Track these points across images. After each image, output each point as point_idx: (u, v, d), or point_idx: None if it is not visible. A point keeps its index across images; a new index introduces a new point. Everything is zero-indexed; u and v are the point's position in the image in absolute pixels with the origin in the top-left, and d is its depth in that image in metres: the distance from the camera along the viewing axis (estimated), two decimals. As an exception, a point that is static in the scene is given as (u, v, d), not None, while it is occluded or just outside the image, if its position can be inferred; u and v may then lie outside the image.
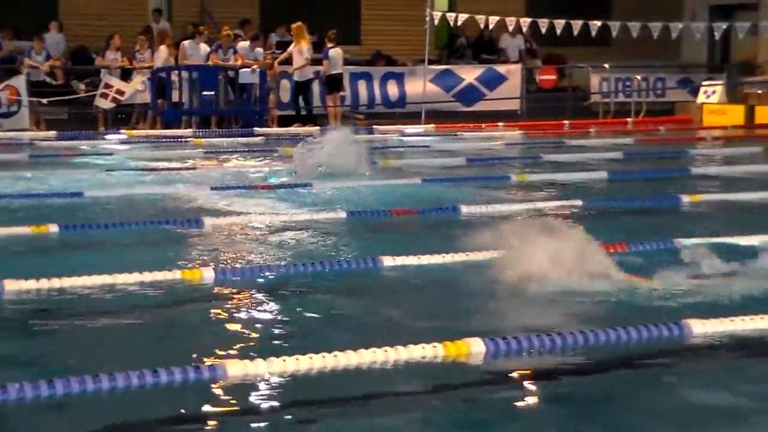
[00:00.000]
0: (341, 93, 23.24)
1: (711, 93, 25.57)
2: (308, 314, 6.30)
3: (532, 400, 4.96)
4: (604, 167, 14.75)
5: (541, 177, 13.56)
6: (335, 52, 22.68)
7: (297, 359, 4.93)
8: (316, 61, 23.05)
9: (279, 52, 23.53)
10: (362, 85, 24.34)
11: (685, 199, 11.47)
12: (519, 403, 4.85)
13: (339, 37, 23.46)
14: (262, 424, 4.51)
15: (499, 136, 20.73)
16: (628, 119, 24.26)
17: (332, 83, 22.79)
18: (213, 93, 21.99)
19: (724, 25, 25.95)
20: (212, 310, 6.40)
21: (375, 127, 21.67)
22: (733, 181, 13.65)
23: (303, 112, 22.47)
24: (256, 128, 21.16)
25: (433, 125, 22.40)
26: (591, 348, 5.56)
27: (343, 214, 9.94)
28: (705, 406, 4.91)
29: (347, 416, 4.67)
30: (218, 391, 4.76)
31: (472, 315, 6.31)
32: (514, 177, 13.59)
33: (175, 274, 7.10)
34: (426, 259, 7.61)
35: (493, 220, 9.50)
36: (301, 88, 22.47)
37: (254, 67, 22.01)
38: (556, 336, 5.52)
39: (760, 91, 25.35)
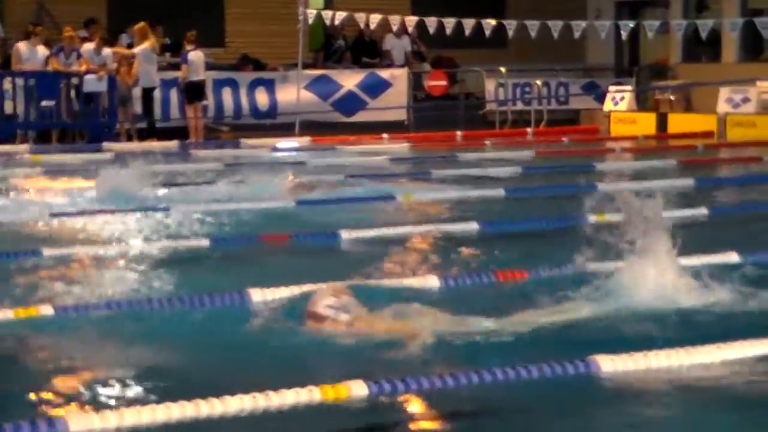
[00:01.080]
0: (203, 102, 23.22)
1: (619, 99, 26.05)
2: (161, 359, 6.17)
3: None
4: (501, 184, 14.81)
5: (431, 196, 13.64)
6: (195, 56, 22.72)
7: (153, 409, 4.82)
8: (173, 66, 22.92)
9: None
10: (227, 93, 24.37)
11: (592, 219, 11.31)
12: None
13: (200, 38, 23.46)
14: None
15: (383, 149, 20.74)
16: (528, 129, 24.67)
17: (192, 91, 22.78)
18: (53, 103, 21.74)
19: (632, 24, 26.20)
20: (51, 353, 6.26)
21: (242, 140, 21.70)
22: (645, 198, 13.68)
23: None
24: (104, 143, 20.87)
25: (308, 138, 22.46)
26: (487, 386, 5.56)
27: (205, 242, 9.87)
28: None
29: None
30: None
31: (353, 358, 6.33)
32: (400, 197, 13.51)
33: (7, 313, 6.91)
34: (299, 291, 7.47)
35: (377, 246, 9.58)
36: (146, 97, 22.39)
37: (101, 73, 21.81)
38: (450, 377, 5.53)
39: (672, 97, 25.97)
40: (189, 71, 22.44)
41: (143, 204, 12.65)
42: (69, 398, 5.35)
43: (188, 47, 22.56)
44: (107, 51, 22.42)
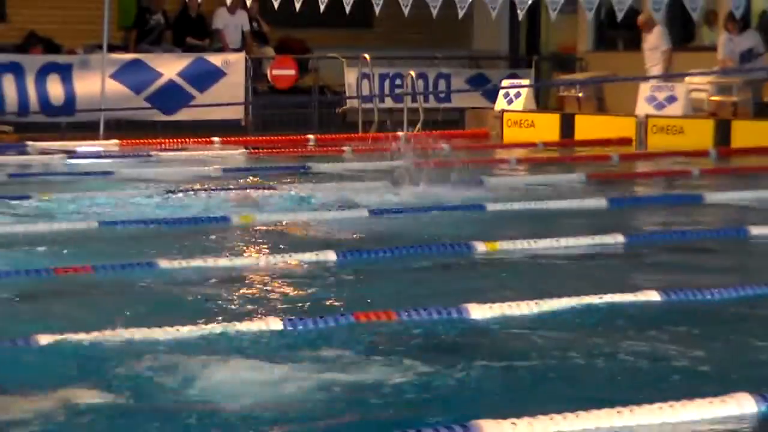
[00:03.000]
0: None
1: (514, 97, 26.58)
2: None
3: None
4: (362, 202, 14.92)
5: (273, 217, 13.78)
6: None
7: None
8: None
9: None
10: (9, 82, 24.25)
11: (481, 247, 11.61)
12: None
13: None
14: None
15: (213, 157, 20.93)
16: (400, 133, 24.29)
17: None
18: None
19: (530, 1, 26.77)
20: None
21: (30, 143, 21.68)
22: (544, 220, 14.04)
23: None
24: None
25: (116, 142, 22.60)
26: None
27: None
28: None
29: None
30: None
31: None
32: (236, 218, 13.59)
33: None
34: (95, 338, 7.58)
35: (206, 280, 9.72)
36: None
37: None
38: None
39: (581, 95, 26.61)
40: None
41: None
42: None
43: None
44: None
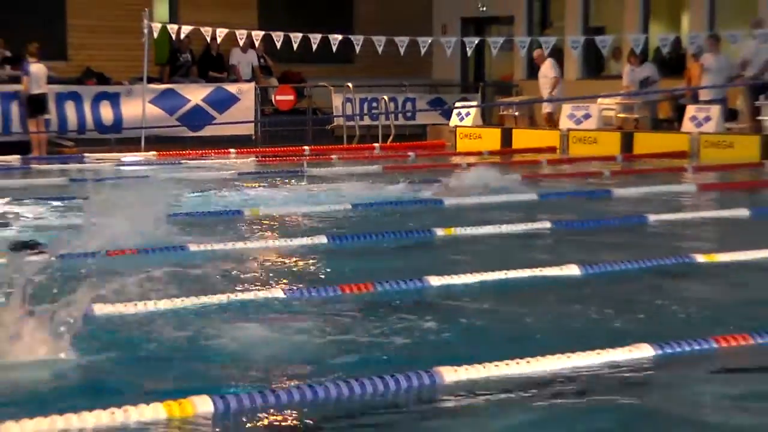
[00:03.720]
0: (45, 116, 22.92)
1: (465, 115, 26.26)
2: None
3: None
4: (347, 199, 14.78)
5: (279, 210, 13.66)
6: (37, 69, 22.46)
7: None
8: (14, 79, 22.56)
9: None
10: (70, 107, 24.02)
11: (440, 232, 11.66)
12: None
13: (41, 51, 23.11)
14: None
15: (230, 164, 20.85)
16: (376, 145, 24.95)
17: (35, 105, 22.54)
18: None
19: (477, 40, 26.68)
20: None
21: (87, 155, 21.55)
22: (489, 211, 13.96)
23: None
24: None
25: (154, 153, 22.37)
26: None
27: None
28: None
29: None
30: None
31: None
32: (247, 211, 13.53)
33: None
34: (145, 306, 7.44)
35: (228, 260, 9.62)
36: None
37: None
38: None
39: (516, 113, 26.36)
40: (30, 84, 22.14)
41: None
42: None
43: (30, 59, 22.23)
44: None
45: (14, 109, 22.89)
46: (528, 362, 6.19)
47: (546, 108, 25.95)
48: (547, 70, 25.93)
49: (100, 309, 7.41)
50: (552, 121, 25.64)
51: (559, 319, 7.76)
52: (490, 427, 5.62)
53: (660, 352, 6.77)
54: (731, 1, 26.55)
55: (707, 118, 22.89)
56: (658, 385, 6.48)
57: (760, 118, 22.52)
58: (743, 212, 13.82)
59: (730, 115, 23.45)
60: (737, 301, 8.78)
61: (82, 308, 6.63)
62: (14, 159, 20.62)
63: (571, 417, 5.71)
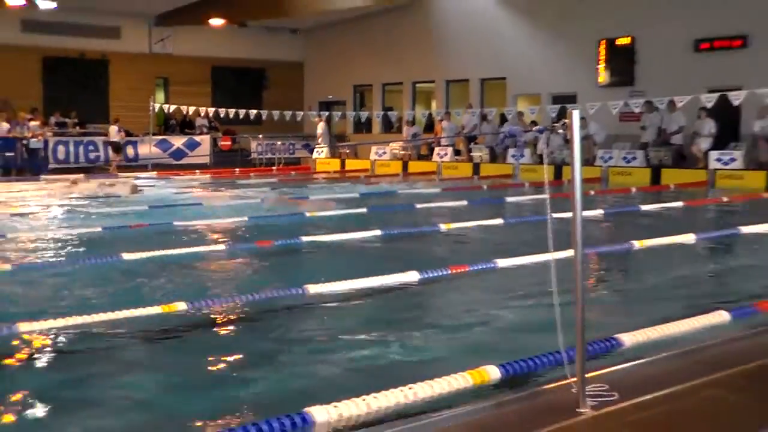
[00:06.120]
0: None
1: (321, 152, 26.18)
2: None
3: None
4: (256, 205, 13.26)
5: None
6: (113, 128, 23.08)
7: None
8: (84, 134, 22.90)
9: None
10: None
11: (307, 213, 10.93)
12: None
13: (94, 117, 24.01)
14: None
15: (196, 179, 20.33)
16: (273, 168, 24.65)
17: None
18: (12, 154, 21.36)
19: (326, 113, 27.21)
20: None
21: (119, 173, 21.08)
22: (343, 201, 13.07)
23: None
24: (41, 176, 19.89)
25: (156, 172, 21.85)
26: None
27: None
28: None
29: None
30: None
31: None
32: (204, 204, 12.48)
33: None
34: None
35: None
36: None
37: (40, 137, 21.73)
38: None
39: (348, 150, 26.18)
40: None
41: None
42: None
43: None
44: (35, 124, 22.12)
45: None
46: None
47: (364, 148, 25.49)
48: (321, 130, 25.89)
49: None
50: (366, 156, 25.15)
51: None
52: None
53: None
54: (456, 94, 26.13)
55: (446, 153, 23.01)
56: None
57: (472, 154, 22.78)
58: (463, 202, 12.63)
59: (456, 152, 23.43)
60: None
61: None
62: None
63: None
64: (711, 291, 6.56)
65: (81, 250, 8.14)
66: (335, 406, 3.00)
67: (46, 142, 22.11)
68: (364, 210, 11.92)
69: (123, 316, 4.85)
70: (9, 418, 3.46)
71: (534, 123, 22.03)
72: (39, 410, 3.59)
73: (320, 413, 2.96)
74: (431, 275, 6.30)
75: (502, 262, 6.86)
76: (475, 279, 6.57)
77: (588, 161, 19.77)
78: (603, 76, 22.17)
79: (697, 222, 11.07)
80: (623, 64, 21.66)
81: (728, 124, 19.07)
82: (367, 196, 14.79)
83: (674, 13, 20.60)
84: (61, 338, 4.73)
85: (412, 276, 6.26)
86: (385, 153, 24.95)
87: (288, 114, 25.26)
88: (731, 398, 3.35)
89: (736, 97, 17.72)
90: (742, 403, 3.31)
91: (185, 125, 27.39)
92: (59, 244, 8.46)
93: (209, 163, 25.00)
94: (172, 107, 25.23)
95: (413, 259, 7.36)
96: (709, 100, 18.03)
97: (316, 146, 26.50)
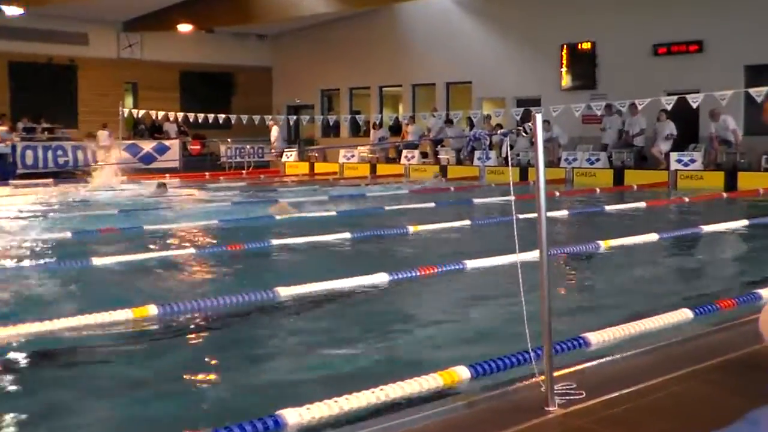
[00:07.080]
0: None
1: (290, 155, 26.23)
2: None
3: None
4: (228, 200, 13.96)
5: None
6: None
7: None
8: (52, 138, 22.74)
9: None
10: (82, 153, 23.28)
11: (276, 217, 10.95)
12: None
13: (61, 121, 23.58)
14: None
15: (168, 182, 19.38)
16: (243, 171, 24.58)
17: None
18: None
19: (294, 117, 27.45)
20: None
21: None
22: (305, 205, 13.03)
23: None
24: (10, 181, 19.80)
25: (125, 177, 20.94)
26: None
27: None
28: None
29: None
30: None
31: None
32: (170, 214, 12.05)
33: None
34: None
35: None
36: None
37: (7, 143, 21.45)
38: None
39: (317, 154, 26.37)
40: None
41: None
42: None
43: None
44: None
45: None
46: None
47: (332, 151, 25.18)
48: (274, 137, 25.80)
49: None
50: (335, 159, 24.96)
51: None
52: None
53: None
54: (423, 97, 26.25)
55: (413, 156, 23.08)
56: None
57: (439, 156, 22.87)
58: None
59: (423, 155, 23.45)
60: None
61: None
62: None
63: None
64: (674, 289, 6.62)
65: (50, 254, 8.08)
66: (307, 408, 2.99)
67: (14, 147, 21.73)
68: (333, 213, 12.03)
69: (93, 321, 4.79)
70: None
71: (499, 126, 22.21)
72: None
73: (292, 415, 2.95)
74: (400, 277, 6.37)
75: (471, 263, 6.95)
76: (444, 280, 6.61)
77: (553, 163, 20.09)
78: (566, 80, 22.39)
79: (660, 222, 11.19)
80: (585, 68, 21.96)
81: (687, 126, 19.35)
82: (337, 198, 14.89)
83: (633, 19, 20.95)
84: (23, 343, 4.61)
85: (381, 278, 6.31)
86: (353, 156, 24.96)
87: (257, 118, 25.44)
88: (698, 393, 3.38)
89: (694, 100, 17.96)
90: (709, 398, 3.34)
91: (155, 130, 27.07)
92: (29, 249, 8.44)
93: (179, 167, 24.62)
94: (141, 112, 25.06)
95: (382, 261, 7.43)
96: (669, 102, 18.24)
97: (286, 151, 26.49)
